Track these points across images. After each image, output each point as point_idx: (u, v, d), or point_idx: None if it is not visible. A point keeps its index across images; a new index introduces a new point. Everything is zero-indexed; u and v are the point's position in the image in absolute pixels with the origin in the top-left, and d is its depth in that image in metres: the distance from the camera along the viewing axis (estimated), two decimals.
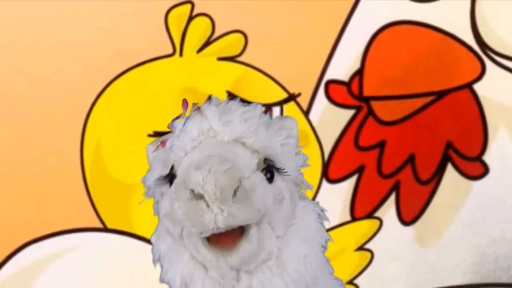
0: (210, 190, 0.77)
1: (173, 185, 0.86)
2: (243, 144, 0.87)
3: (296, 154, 0.93)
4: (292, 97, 1.34)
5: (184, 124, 0.90)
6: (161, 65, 1.32)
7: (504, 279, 1.38)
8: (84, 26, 1.29)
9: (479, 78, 1.33)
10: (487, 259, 1.37)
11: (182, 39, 1.31)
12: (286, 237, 0.88)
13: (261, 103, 0.91)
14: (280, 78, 1.33)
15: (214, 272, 0.86)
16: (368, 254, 1.32)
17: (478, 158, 1.35)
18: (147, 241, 1.32)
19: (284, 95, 1.34)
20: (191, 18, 1.30)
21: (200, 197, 0.78)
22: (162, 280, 0.91)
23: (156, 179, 0.89)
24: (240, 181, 0.79)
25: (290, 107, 1.36)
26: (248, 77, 1.34)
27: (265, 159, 0.87)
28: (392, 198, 1.34)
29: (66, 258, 1.36)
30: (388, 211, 1.30)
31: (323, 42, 1.32)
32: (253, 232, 0.83)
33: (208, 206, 0.78)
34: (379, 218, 1.30)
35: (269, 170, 0.87)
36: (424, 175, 1.35)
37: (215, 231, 0.79)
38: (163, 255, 0.91)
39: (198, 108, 0.91)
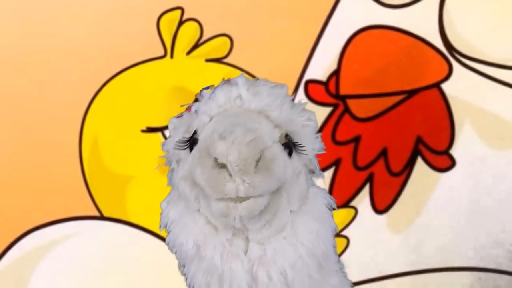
0: (233, 161, 0.78)
1: (196, 149, 0.85)
2: (267, 116, 0.87)
3: (315, 138, 0.93)
4: None
5: (213, 92, 0.90)
6: (154, 66, 1.34)
7: (466, 264, 1.39)
8: (83, 30, 1.31)
9: (446, 78, 1.35)
10: (453, 244, 1.38)
11: (173, 42, 1.33)
12: (300, 213, 0.89)
13: (286, 85, 0.92)
14: (263, 78, 1.26)
15: (223, 236, 0.86)
16: (344, 240, 1.35)
17: (446, 152, 1.37)
18: (141, 228, 1.38)
19: None
20: (181, 23, 1.32)
21: (223, 166, 0.79)
22: (171, 244, 0.91)
23: (177, 142, 0.89)
24: (262, 151, 0.80)
25: None
26: (233, 77, 1.38)
27: (286, 135, 0.88)
28: (366, 188, 1.35)
29: (65, 244, 1.38)
30: (362, 200, 1.33)
31: (303, 45, 1.34)
32: (268, 195, 0.83)
33: (230, 175, 0.79)
34: (354, 207, 1.34)
35: (288, 146, 0.88)
36: (396, 167, 1.36)
37: (235, 199, 0.81)
38: (172, 220, 0.91)
39: (228, 80, 0.91)
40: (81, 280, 1.40)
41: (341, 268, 0.98)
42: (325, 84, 1.35)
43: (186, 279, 0.93)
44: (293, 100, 0.93)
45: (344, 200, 1.35)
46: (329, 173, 1.33)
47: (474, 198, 1.38)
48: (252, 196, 0.80)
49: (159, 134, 1.37)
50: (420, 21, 1.34)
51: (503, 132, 1.37)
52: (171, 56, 1.34)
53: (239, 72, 1.32)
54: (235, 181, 0.78)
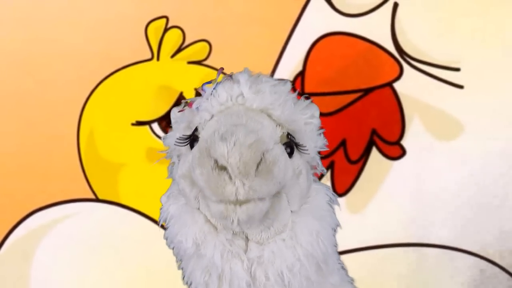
0: (234, 164, 0.72)
1: (196, 148, 0.81)
2: (269, 115, 0.82)
3: (317, 135, 0.89)
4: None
5: (214, 88, 0.85)
6: (142, 68, 1.35)
7: (412, 241, 1.39)
8: (80, 36, 1.34)
9: (398, 78, 1.36)
10: (402, 223, 1.37)
11: (159, 47, 1.35)
12: (300, 212, 0.85)
13: (289, 81, 0.89)
14: None
15: (223, 235, 0.83)
16: None
17: (397, 143, 1.37)
18: (131, 209, 1.39)
19: None
20: (166, 30, 1.34)
21: (223, 168, 0.74)
22: (169, 240, 0.88)
23: (178, 138, 0.85)
24: (263, 154, 0.75)
25: None
26: (212, 77, 1.18)
27: (288, 134, 0.83)
28: (328, 174, 1.35)
29: (65, 223, 1.39)
30: None
31: (272, 49, 1.35)
32: (268, 198, 0.79)
33: (230, 178, 0.74)
34: None
35: (290, 145, 0.83)
36: (354, 156, 1.36)
37: (234, 202, 0.76)
38: (172, 216, 0.87)
39: (230, 76, 0.87)
40: (79, 254, 1.40)
41: (342, 265, 0.95)
42: (292, 83, 1.23)
43: (183, 276, 0.90)
44: (297, 96, 0.89)
45: None
46: None
47: (422, 183, 1.38)
48: (252, 199, 0.76)
49: (147, 127, 1.37)
50: (375, 28, 1.34)
51: (447, 125, 1.37)
52: (157, 59, 1.35)
53: (217, 73, 1.31)
54: (235, 184, 0.74)
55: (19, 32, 1.34)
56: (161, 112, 1.36)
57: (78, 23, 1.34)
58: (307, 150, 0.85)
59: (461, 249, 1.38)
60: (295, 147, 0.84)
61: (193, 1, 1.34)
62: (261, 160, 0.75)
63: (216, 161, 0.74)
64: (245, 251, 0.83)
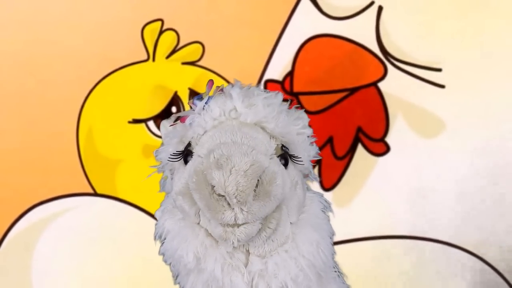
0: (231, 193, 0.72)
1: (191, 168, 0.78)
2: (263, 128, 0.81)
3: (309, 144, 0.88)
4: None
5: (207, 102, 0.83)
6: (138, 68, 1.36)
7: (405, 232, 1.40)
8: (79, 38, 1.36)
9: (382, 78, 1.37)
10: (388, 216, 1.39)
11: (154, 48, 1.36)
12: (299, 223, 0.83)
13: (281, 93, 0.86)
14: (229, 78, 1.35)
15: (223, 249, 0.80)
16: None
17: (382, 140, 1.38)
18: (128, 203, 1.39)
19: None
20: (161, 32, 1.36)
21: (221, 195, 0.73)
22: (167, 255, 0.85)
23: (171, 154, 0.83)
24: (261, 175, 0.74)
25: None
26: (205, 77, 1.35)
27: (282, 146, 0.82)
28: (315, 170, 1.31)
29: (65, 216, 1.40)
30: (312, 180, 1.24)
31: (263, 51, 1.36)
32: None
33: (229, 204, 0.73)
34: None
35: (284, 156, 0.82)
36: (340, 152, 1.37)
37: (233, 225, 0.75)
38: (168, 231, 0.85)
39: (222, 90, 0.84)
40: (78, 246, 1.41)
41: (339, 273, 0.93)
42: (281, 83, 1.37)
43: None
44: (288, 107, 0.87)
45: None
46: None
47: (405, 178, 1.39)
48: (251, 221, 0.75)
49: (143, 124, 1.38)
50: (360, 30, 1.36)
51: (429, 123, 1.38)
52: (153, 60, 1.36)
53: (209, 73, 1.35)
54: (233, 210, 0.73)
55: (21, 34, 1.36)
56: (157, 111, 1.37)
57: (78, 26, 1.36)
58: (301, 160, 0.83)
59: (439, 240, 1.40)
60: (289, 158, 0.82)
61: (187, 5, 1.35)
62: (258, 182, 0.74)
63: (213, 187, 0.73)
64: (245, 265, 0.81)
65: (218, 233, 0.77)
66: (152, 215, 1.36)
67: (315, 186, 1.08)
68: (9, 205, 1.40)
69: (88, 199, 1.41)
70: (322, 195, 0.90)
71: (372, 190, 1.38)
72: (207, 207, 0.75)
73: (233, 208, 0.73)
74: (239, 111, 0.81)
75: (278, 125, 0.81)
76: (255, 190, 0.73)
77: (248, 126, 0.80)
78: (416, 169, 1.40)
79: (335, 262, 0.92)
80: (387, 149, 1.40)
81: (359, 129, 1.39)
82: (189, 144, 0.82)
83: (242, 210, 0.73)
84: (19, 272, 1.41)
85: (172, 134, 0.86)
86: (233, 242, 0.76)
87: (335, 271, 0.92)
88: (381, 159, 1.40)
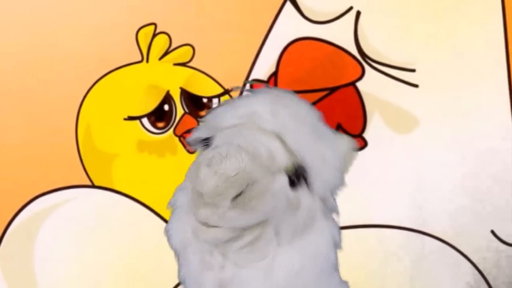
0: (206, 193, 0.71)
1: (193, 163, 0.78)
2: (283, 141, 0.77)
3: (334, 175, 0.82)
4: (227, 92, 1.37)
5: (236, 100, 0.83)
6: (133, 69, 1.38)
7: (381, 222, 1.41)
8: (78, 40, 1.37)
9: (360, 78, 1.38)
10: (365, 206, 1.40)
11: (148, 50, 1.37)
12: (289, 247, 0.79)
13: (318, 111, 0.81)
14: (218, 78, 1.38)
15: (205, 243, 0.78)
16: None
17: (360, 135, 1.40)
18: (123, 194, 1.41)
19: (221, 90, 1.37)
20: (154, 35, 1.36)
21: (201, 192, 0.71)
22: (165, 230, 0.85)
23: (192, 139, 0.84)
24: (246, 186, 0.71)
25: (225, 98, 1.38)
26: (195, 77, 1.38)
27: (298, 165, 0.77)
28: None
29: (65, 206, 1.41)
30: None
31: (249, 52, 1.37)
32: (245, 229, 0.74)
33: (205, 203, 0.72)
34: None
35: (297, 176, 0.77)
36: None
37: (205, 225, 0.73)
38: (176, 207, 0.85)
39: (256, 90, 0.84)
40: (77, 234, 1.42)
41: None
42: (266, 82, 1.38)
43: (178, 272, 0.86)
44: (326, 128, 0.82)
45: None
46: None
47: (382, 171, 1.41)
48: (223, 226, 0.74)
49: (137, 121, 1.39)
50: (340, 34, 1.37)
51: (404, 120, 1.39)
52: (147, 61, 1.37)
53: (199, 73, 1.36)
54: (206, 211, 0.73)
55: (24, 38, 1.37)
56: (150, 108, 1.40)
57: (77, 29, 1.37)
58: (313, 189, 0.80)
59: (411, 229, 1.45)
60: (303, 180, 0.78)
61: (179, 10, 1.36)
62: (242, 191, 0.71)
63: (195, 184, 0.73)
64: (221, 268, 0.79)
65: (193, 226, 0.77)
66: (147, 206, 1.42)
67: None
68: (12, 196, 1.40)
69: (86, 191, 1.42)
70: (338, 228, 0.86)
71: (350, 182, 1.21)
72: (190, 200, 0.76)
73: (207, 209, 0.72)
74: (262, 117, 0.78)
75: (298, 142, 0.77)
76: (235, 199, 0.71)
77: (265, 135, 0.77)
78: (392, 163, 1.41)
79: (344, 284, 0.88)
80: (364, 144, 1.41)
81: (339, 126, 1.39)
82: (211, 137, 0.81)
83: (212, 215, 0.72)
84: (22, 258, 1.42)
85: (203, 121, 0.85)
86: (203, 240, 0.76)
87: None
88: (359, 153, 1.29)
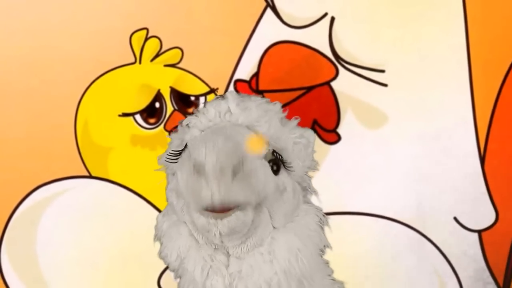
0: (209, 166, 0.69)
1: (181, 157, 0.78)
2: (256, 132, 0.79)
3: (306, 155, 0.85)
4: (212, 91, 1.42)
5: (204, 107, 0.83)
6: (127, 70, 1.43)
7: (353, 209, 1.47)
8: (77, 43, 1.42)
9: (334, 78, 1.43)
10: (339, 194, 1.45)
11: (141, 53, 1.42)
12: (283, 230, 0.81)
13: (281, 103, 0.84)
14: (204, 78, 1.43)
15: (204, 251, 0.79)
16: None
17: (334, 130, 1.45)
18: (118, 184, 1.46)
19: (207, 89, 1.43)
20: (146, 39, 1.42)
21: (201, 172, 0.70)
22: (160, 256, 0.85)
23: (168, 154, 0.82)
24: (242, 161, 0.71)
25: (211, 97, 1.41)
26: (184, 77, 1.43)
27: (274, 152, 0.80)
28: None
29: (65, 196, 1.46)
30: None
31: (233, 54, 1.42)
32: (250, 209, 0.75)
33: (207, 182, 0.70)
34: None
35: (276, 162, 0.80)
36: None
37: (210, 208, 0.72)
38: (164, 232, 0.84)
39: (221, 96, 0.85)
40: (76, 221, 1.47)
41: (333, 282, 0.91)
42: (248, 82, 1.43)
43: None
44: (286, 116, 0.86)
45: None
46: None
47: (354, 164, 1.47)
48: (230, 208, 0.72)
49: (131, 118, 1.44)
50: (315, 38, 1.42)
51: (375, 116, 1.45)
52: (140, 63, 1.42)
53: (187, 74, 1.42)
54: (211, 188, 0.71)
55: (27, 41, 1.42)
56: (143, 106, 1.45)
57: (75, 34, 1.42)
58: (292, 168, 0.82)
59: (383, 216, 1.52)
60: (281, 164, 0.81)
61: (169, 16, 1.41)
62: (239, 166, 0.72)
63: (194, 165, 0.71)
64: (227, 266, 0.80)
65: (201, 224, 0.75)
66: (139, 195, 1.47)
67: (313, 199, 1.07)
68: (16, 186, 1.45)
69: (84, 181, 1.47)
70: (321, 209, 0.90)
71: (325, 174, 1.36)
72: (186, 187, 0.74)
73: (211, 187, 0.71)
74: (233, 113, 0.81)
75: (270, 130, 0.80)
76: (235, 173, 0.71)
77: (240, 127, 0.79)
78: (363, 155, 1.48)
79: (331, 270, 0.93)
80: (338, 138, 1.47)
81: (315, 122, 1.45)
82: (186, 146, 0.81)
83: (219, 188, 0.70)
84: (25, 244, 1.47)
85: (173, 137, 0.87)
86: (215, 234, 0.75)
87: (331, 279, 0.92)
88: (333, 147, 1.47)
